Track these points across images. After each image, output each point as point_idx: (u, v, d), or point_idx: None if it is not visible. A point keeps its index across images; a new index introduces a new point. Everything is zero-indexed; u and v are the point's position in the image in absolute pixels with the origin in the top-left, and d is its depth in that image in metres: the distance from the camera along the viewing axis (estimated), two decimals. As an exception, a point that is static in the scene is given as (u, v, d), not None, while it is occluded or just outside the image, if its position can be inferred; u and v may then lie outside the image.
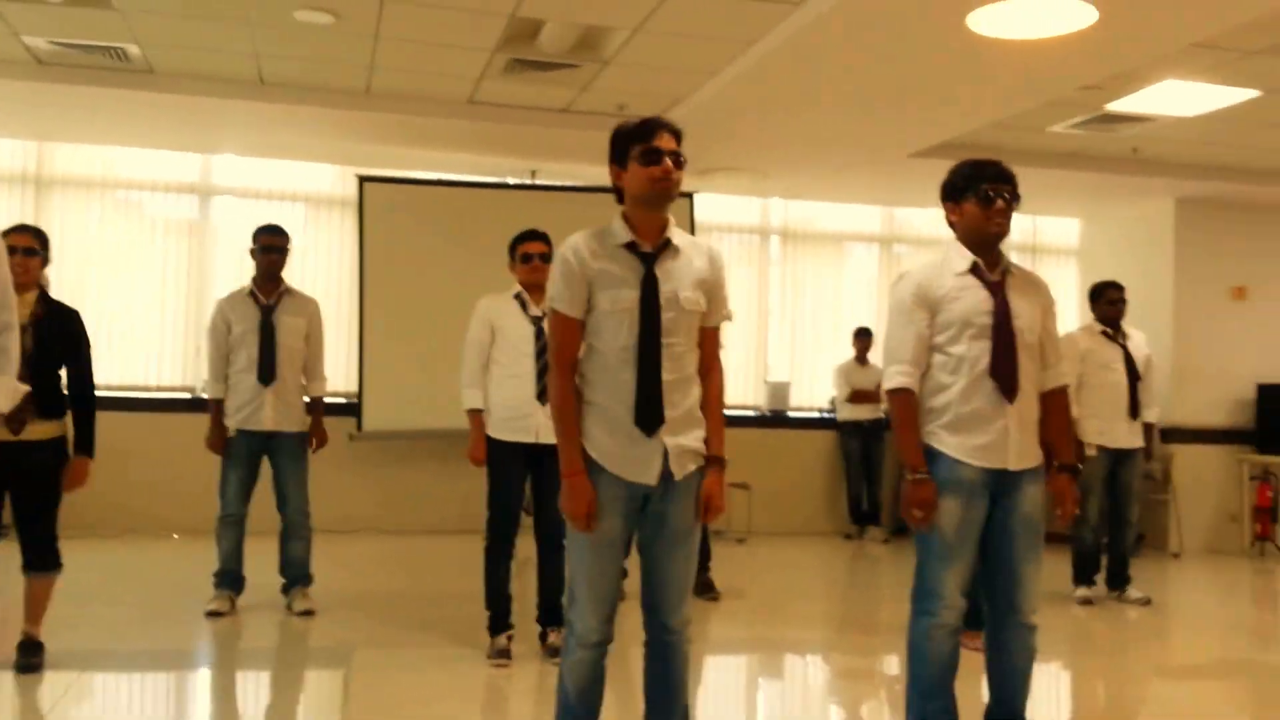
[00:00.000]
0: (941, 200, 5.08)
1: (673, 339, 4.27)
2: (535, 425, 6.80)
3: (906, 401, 4.95)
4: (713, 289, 4.43)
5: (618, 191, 4.41)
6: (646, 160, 4.26)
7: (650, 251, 4.31)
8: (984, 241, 4.94)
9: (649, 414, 4.24)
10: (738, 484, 11.99)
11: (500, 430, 6.89)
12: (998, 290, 4.90)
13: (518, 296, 6.96)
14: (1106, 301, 9.48)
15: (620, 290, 4.25)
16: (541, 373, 6.76)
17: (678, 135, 4.35)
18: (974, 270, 4.93)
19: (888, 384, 5.00)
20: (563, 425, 4.31)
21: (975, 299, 4.88)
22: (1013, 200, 4.91)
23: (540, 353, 6.79)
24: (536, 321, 6.85)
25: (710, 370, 4.48)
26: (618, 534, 4.34)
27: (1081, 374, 9.30)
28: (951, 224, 5.06)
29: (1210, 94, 9.35)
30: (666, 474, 4.29)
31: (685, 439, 4.31)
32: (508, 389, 6.87)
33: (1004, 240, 4.98)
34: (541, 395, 6.75)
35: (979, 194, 4.89)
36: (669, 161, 4.26)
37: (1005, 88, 8.85)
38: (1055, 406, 5.09)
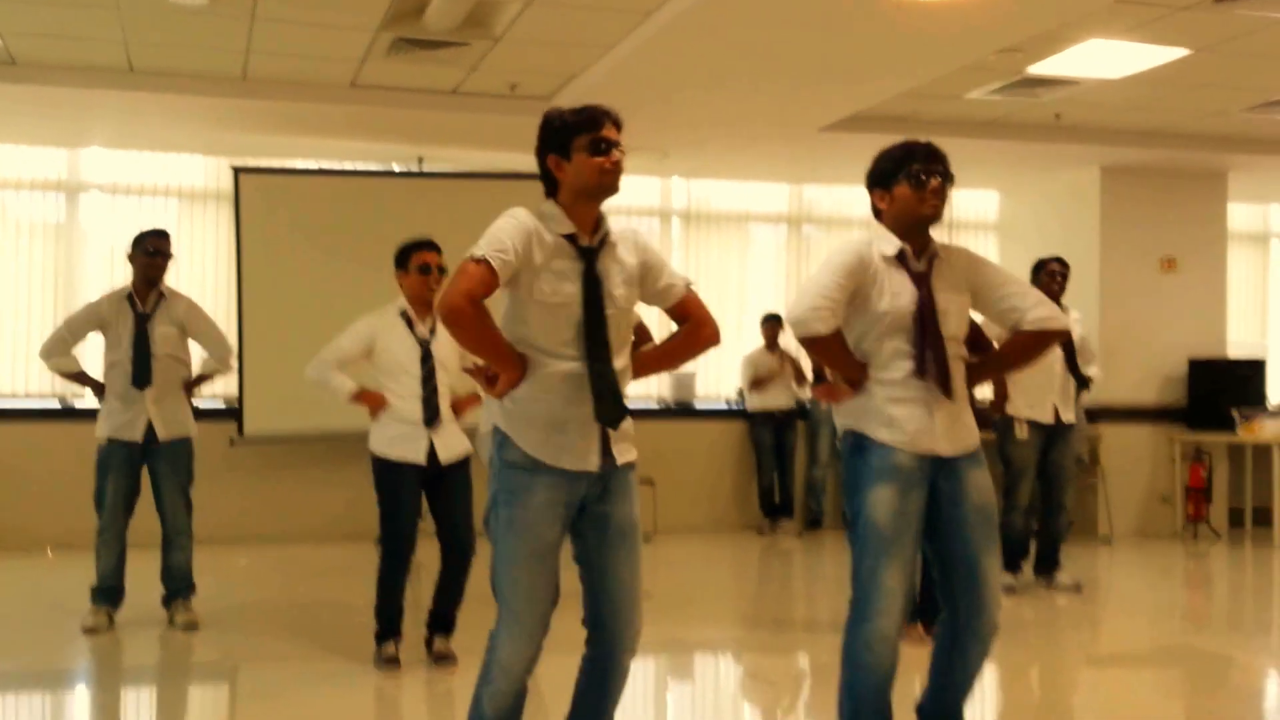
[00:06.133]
0: (869, 188, 5.02)
1: (616, 333, 4.27)
2: (424, 447, 6.81)
3: (832, 341, 4.88)
4: (649, 272, 4.43)
5: (550, 182, 4.35)
6: (595, 151, 4.24)
7: (590, 246, 4.29)
8: (915, 226, 4.89)
9: (611, 409, 4.24)
10: (642, 480, 11.92)
11: (390, 448, 6.86)
12: (922, 282, 4.85)
13: (403, 314, 6.89)
14: (1046, 274, 9.44)
15: (560, 283, 4.22)
16: (429, 396, 6.80)
17: (619, 125, 4.35)
18: (900, 258, 4.88)
19: (805, 329, 4.85)
20: (483, 337, 4.23)
21: (901, 292, 4.83)
22: (947, 180, 4.88)
23: (428, 376, 6.80)
24: (423, 343, 6.84)
25: (699, 325, 4.52)
26: (555, 543, 4.31)
27: None
28: (878, 212, 5.00)
29: (1137, 54, 9.27)
30: (610, 463, 4.31)
31: (624, 422, 4.33)
32: (395, 409, 6.85)
33: (936, 223, 4.94)
34: (429, 420, 6.79)
35: (911, 175, 4.84)
36: (618, 154, 4.27)
37: (920, 52, 8.84)
38: (1024, 343, 5.06)
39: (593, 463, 4.28)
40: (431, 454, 6.80)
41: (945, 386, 4.80)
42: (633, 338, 4.47)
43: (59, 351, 8.08)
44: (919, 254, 4.90)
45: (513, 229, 4.19)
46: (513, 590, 4.31)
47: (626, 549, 4.39)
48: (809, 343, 4.95)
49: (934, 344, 4.80)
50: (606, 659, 4.44)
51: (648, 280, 4.43)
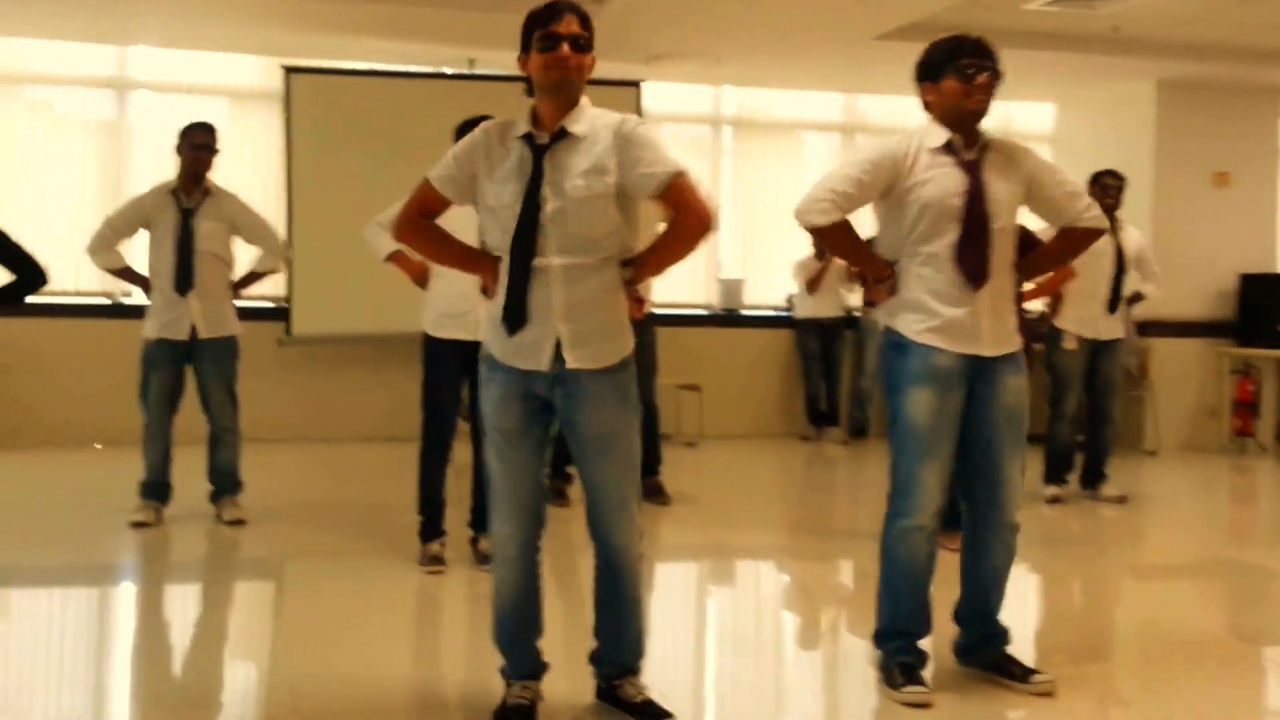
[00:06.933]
0: (917, 81, 5.00)
1: (566, 228, 4.22)
2: (475, 321, 6.71)
3: (841, 228, 4.93)
4: (627, 159, 4.26)
5: (527, 81, 4.36)
6: (544, 46, 4.21)
7: (544, 143, 4.27)
8: (963, 121, 4.87)
9: (512, 312, 4.27)
10: (688, 385, 12.06)
11: (437, 327, 6.88)
12: (973, 170, 4.85)
13: None
14: (1099, 187, 9.33)
15: (505, 184, 4.27)
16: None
17: (583, 18, 4.28)
18: (948, 148, 4.88)
19: (802, 220, 4.93)
20: (435, 250, 4.74)
21: (947, 180, 4.83)
22: (995, 76, 4.86)
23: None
24: None
25: (679, 216, 4.33)
26: (518, 432, 4.38)
27: None
28: (927, 105, 4.98)
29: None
30: (561, 366, 4.29)
31: (585, 323, 4.28)
32: (448, 279, 6.72)
33: (983, 119, 4.92)
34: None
35: (959, 70, 4.82)
36: (566, 47, 4.21)
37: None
38: (1072, 240, 5.15)
39: (543, 362, 4.29)
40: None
41: (978, 276, 4.81)
42: (602, 231, 4.30)
43: (103, 248, 8.12)
44: (969, 146, 4.90)
45: (461, 145, 4.39)
46: (493, 480, 4.47)
47: (600, 456, 4.40)
48: (813, 234, 5.09)
49: (981, 232, 4.81)
50: (602, 560, 4.52)
51: (627, 169, 4.28)
